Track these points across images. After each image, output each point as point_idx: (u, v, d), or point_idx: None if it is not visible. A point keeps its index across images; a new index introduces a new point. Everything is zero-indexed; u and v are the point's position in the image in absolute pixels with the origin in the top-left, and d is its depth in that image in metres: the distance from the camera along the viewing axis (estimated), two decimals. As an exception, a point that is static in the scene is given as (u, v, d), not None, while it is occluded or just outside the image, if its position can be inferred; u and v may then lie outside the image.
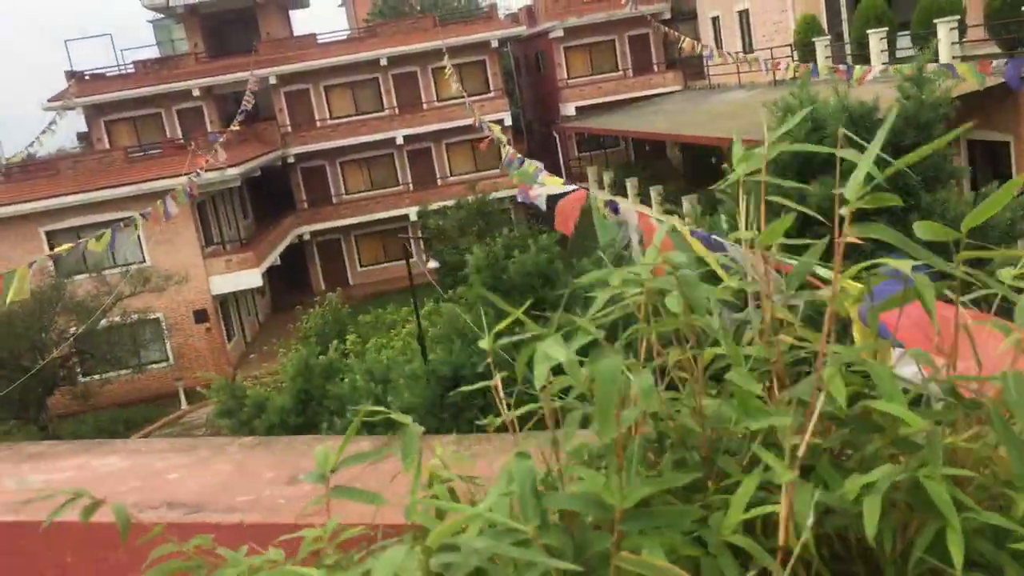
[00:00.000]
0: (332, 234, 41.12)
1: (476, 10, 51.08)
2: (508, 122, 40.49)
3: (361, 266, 42.10)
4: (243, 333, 34.33)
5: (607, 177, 35.95)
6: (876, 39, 23.11)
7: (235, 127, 29.96)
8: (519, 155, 12.80)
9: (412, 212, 40.23)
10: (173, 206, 18.45)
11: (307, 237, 40.28)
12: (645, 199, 31.86)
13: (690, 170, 36.07)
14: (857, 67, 16.18)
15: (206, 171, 28.65)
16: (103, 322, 24.55)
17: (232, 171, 29.58)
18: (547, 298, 9.66)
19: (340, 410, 11.45)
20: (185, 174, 27.86)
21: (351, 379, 11.57)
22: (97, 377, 24.60)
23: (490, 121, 39.93)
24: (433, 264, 9.91)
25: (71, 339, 21.42)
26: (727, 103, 28.57)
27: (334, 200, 40.84)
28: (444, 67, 39.93)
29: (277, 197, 40.43)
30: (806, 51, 26.43)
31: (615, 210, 11.63)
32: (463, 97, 30.43)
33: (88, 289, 24.69)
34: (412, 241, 42.36)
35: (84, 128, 40.77)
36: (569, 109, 39.85)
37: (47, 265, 28.84)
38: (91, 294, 24.33)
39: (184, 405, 29.62)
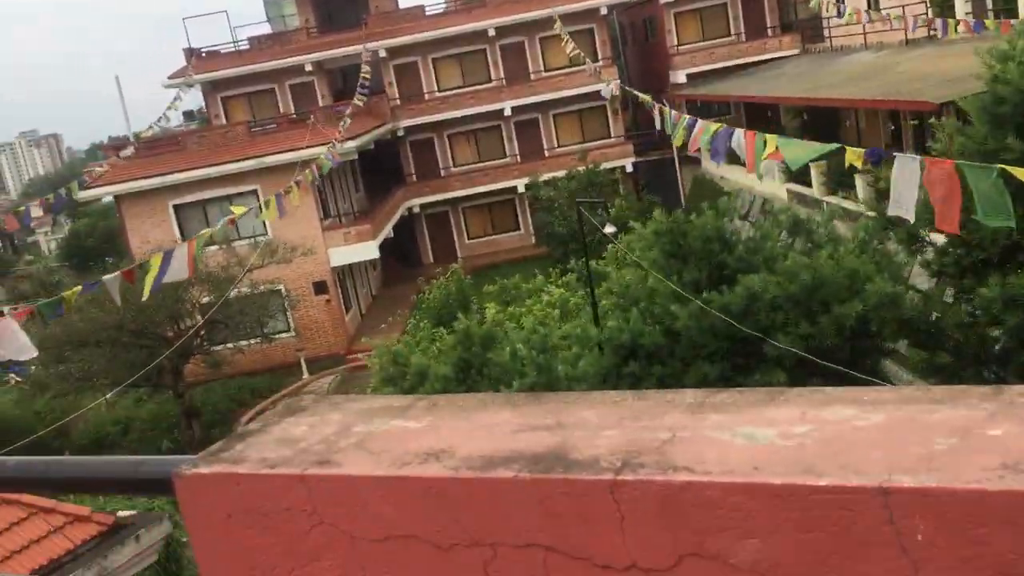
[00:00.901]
0: (440, 207, 41.27)
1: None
2: (616, 92, 39.82)
3: (469, 238, 42.19)
4: (359, 305, 34.79)
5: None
6: (1026, -7, 21.78)
7: (358, 101, 30.12)
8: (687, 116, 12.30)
9: (520, 184, 40.06)
10: (311, 176, 18.62)
11: (416, 210, 40.50)
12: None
13: (808, 136, 34.86)
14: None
15: (328, 144, 28.97)
16: (232, 293, 25.09)
17: (350, 144, 29.80)
18: (727, 263, 9.28)
19: (501, 378, 11.33)
20: (311, 145, 28.29)
21: (512, 347, 11.43)
22: (229, 346, 25.18)
23: (599, 91, 39.49)
24: (610, 228, 9.57)
25: (214, 307, 21.90)
26: (857, 65, 27.45)
27: (442, 173, 40.93)
28: (554, 35, 39.52)
29: (386, 171, 40.71)
30: (945, 7, 25.15)
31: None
32: (580, 63, 29.93)
33: (219, 260, 25.23)
34: (587, 206, 42.21)
35: (195, 106, 41.77)
36: (679, 77, 38.97)
37: (175, 236, 29.71)
38: (221, 265, 24.86)
39: (306, 375, 30.20)
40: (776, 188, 28.78)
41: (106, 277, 10.19)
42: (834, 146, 7.78)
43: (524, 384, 10.72)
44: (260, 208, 15.04)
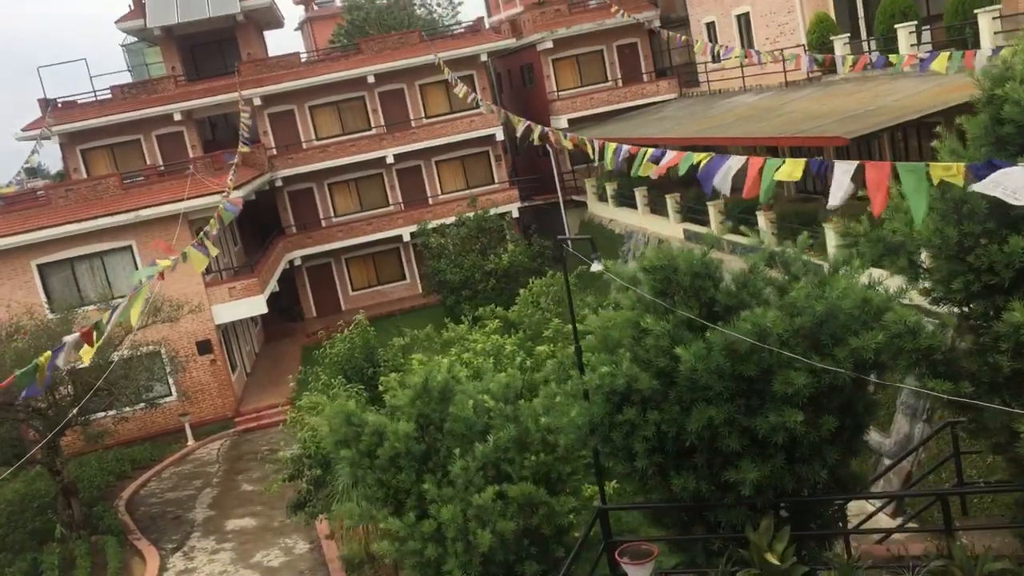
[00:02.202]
0: (322, 258, 39.89)
1: (452, 26, 50.38)
2: (500, 136, 39.79)
3: (354, 289, 40.91)
4: (244, 364, 32.93)
5: (610, 188, 35.31)
6: (905, 33, 22.83)
7: (243, 149, 28.69)
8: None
9: (405, 232, 39.26)
10: (216, 225, 17.30)
11: (297, 262, 38.99)
12: (656, 209, 31.27)
13: (677, 178, 35.57)
14: (949, 53, 15.63)
15: (220, 193, 27.44)
16: (113, 356, 23.09)
17: (235, 194, 28.29)
18: (717, 299, 8.83)
19: (465, 434, 10.48)
20: (192, 196, 26.68)
21: (475, 400, 10.60)
22: (110, 414, 23.06)
23: (481, 136, 39.31)
24: (597, 266, 9.05)
25: (108, 371, 19.99)
26: (742, 106, 28.14)
27: (323, 223, 39.63)
28: (434, 82, 39.18)
29: (264, 222, 39.13)
30: (823, 50, 26.11)
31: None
32: (475, 105, 29.64)
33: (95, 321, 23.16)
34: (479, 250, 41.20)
35: (51, 160, 39.12)
36: (561, 122, 39.19)
37: (39, 301, 27.33)
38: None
39: (191, 441, 28.16)
40: (671, 228, 29.05)
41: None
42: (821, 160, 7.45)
43: (500, 440, 9.90)
44: (168, 263, 13.67)
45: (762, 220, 22.90)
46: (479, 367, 14.57)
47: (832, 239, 18.45)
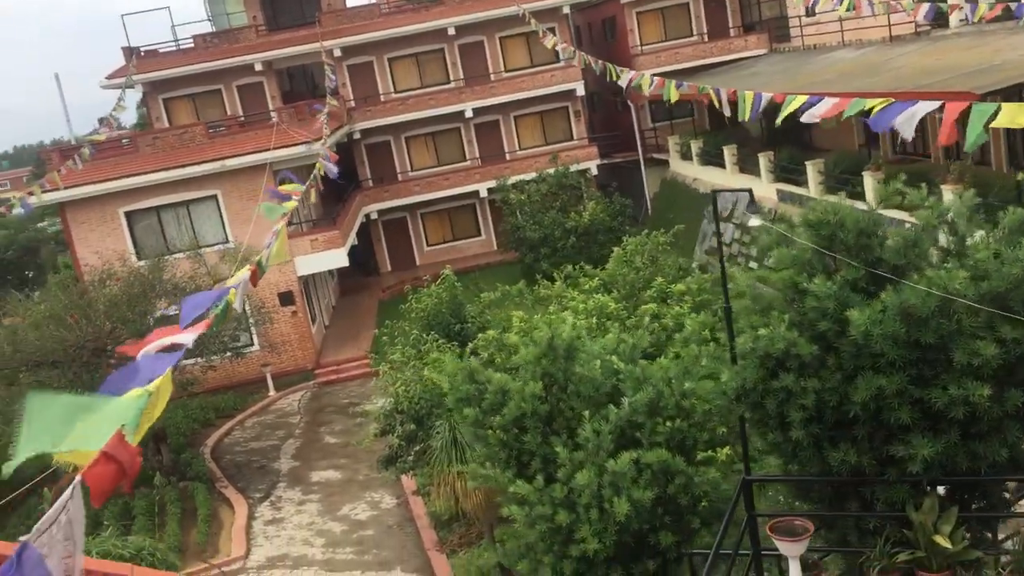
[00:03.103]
0: (398, 212, 39.63)
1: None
2: (581, 91, 38.89)
3: (429, 245, 40.64)
4: (323, 317, 32.93)
5: (695, 146, 34.29)
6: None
7: (332, 101, 28.34)
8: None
9: (481, 188, 38.72)
10: (323, 173, 17.00)
11: (374, 216, 38.76)
12: (746, 168, 30.26)
13: (769, 136, 34.33)
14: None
15: (294, 145, 27.24)
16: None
17: (317, 145, 28.05)
18: (884, 260, 8.12)
19: (591, 396, 10.00)
20: (275, 148, 26.45)
21: (602, 360, 10.10)
22: (199, 361, 23.11)
23: (561, 91, 38.47)
24: (755, 221, 8.44)
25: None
26: (843, 62, 26.88)
27: (400, 177, 39.30)
28: (514, 34, 38.38)
29: (341, 175, 38.86)
30: None
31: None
32: (570, 56, 28.90)
33: (184, 269, 23.22)
34: (486, 215, 40.71)
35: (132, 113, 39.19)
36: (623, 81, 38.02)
37: (126, 249, 27.48)
38: (187, 275, 22.86)
39: (272, 392, 28.27)
40: (762, 188, 28.05)
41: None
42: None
43: (638, 403, 9.39)
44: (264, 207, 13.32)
45: (868, 180, 21.87)
46: (585, 327, 14.03)
47: (951, 200, 17.43)
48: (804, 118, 9.47)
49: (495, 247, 40.00)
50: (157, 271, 21.94)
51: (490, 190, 38.45)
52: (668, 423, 9.38)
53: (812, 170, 24.86)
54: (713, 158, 32.84)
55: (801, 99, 9.55)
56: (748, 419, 8.80)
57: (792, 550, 8.11)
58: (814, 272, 8.44)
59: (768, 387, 8.28)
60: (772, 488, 9.62)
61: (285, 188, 13.06)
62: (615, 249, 21.71)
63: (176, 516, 19.83)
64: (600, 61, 21.95)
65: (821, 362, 8.19)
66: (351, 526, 19.36)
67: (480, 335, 16.82)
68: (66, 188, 25.04)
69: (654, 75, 16.96)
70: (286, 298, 28.68)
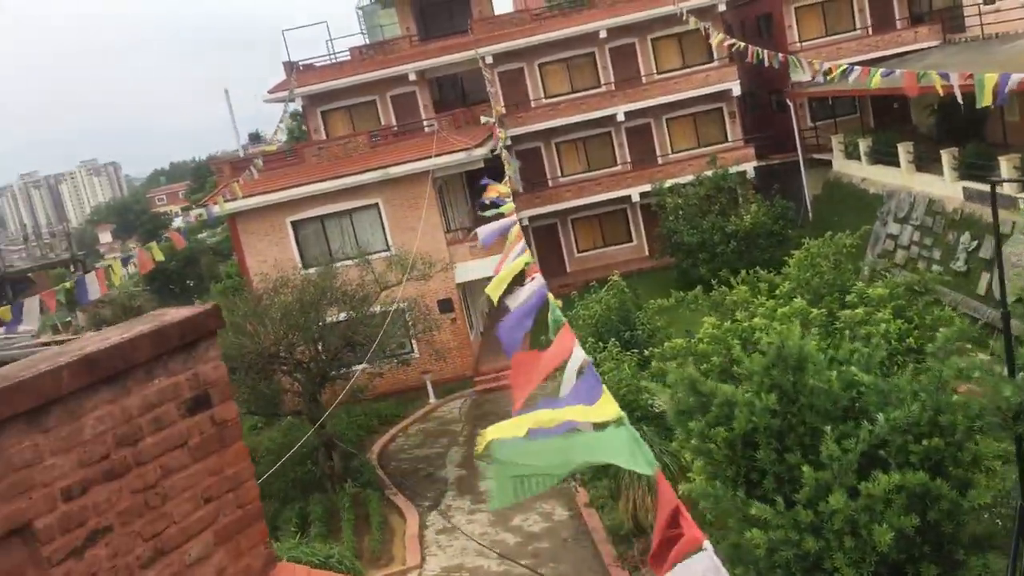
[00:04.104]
0: (549, 219, 39.32)
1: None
2: (737, 91, 37.64)
3: (579, 251, 40.17)
4: (479, 324, 32.88)
5: (863, 144, 32.57)
6: None
7: (498, 108, 28.26)
8: None
9: (634, 192, 37.97)
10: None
11: (525, 223, 38.49)
12: (924, 165, 28.47)
13: (943, 132, 32.20)
14: None
15: (454, 152, 27.25)
16: (365, 312, 23.25)
17: (478, 152, 28.05)
18: None
19: (828, 410, 9.17)
20: (436, 155, 26.51)
21: (840, 372, 9.27)
22: (366, 369, 23.26)
23: (715, 92, 37.33)
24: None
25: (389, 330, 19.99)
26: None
27: (550, 183, 38.99)
28: (666, 35, 37.52)
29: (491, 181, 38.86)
30: None
31: None
32: (741, 50, 27.89)
33: (352, 276, 23.44)
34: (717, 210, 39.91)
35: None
36: (803, 75, 36.49)
37: (293, 257, 28.06)
38: (356, 282, 23.06)
39: (432, 399, 28.31)
40: (944, 187, 26.25)
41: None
42: None
43: (897, 420, 8.50)
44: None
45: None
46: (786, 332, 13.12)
47: None
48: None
49: (647, 253, 39.16)
50: (328, 278, 22.18)
51: (642, 195, 37.68)
52: (926, 441, 8.46)
53: (1007, 166, 23.04)
54: (884, 156, 31.06)
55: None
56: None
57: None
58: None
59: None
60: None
61: (495, 187, 12.71)
62: (794, 252, 20.61)
63: (350, 523, 19.91)
64: (780, 54, 20.91)
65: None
66: (525, 538, 18.96)
67: (667, 343, 16.10)
68: (242, 199, 25.70)
69: (852, 64, 15.84)
70: (445, 305, 28.71)
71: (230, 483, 3.41)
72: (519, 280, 7.92)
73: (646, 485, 14.10)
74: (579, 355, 4.96)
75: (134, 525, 3.07)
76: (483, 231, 9.60)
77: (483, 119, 26.33)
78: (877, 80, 14.43)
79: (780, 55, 21.05)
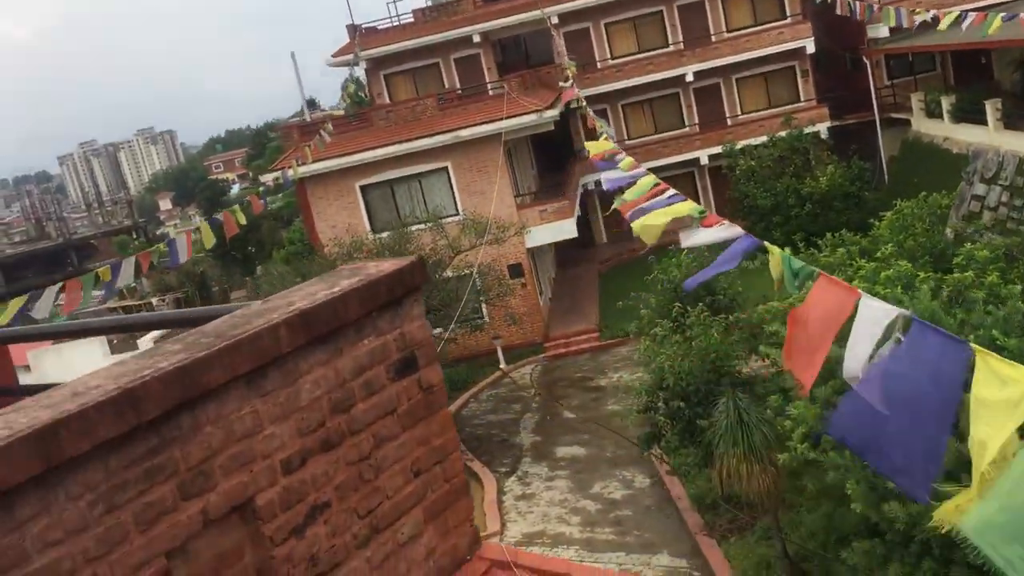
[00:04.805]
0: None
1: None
2: (811, 49, 36.46)
3: (645, 216, 39.39)
4: (547, 290, 32.52)
5: (945, 102, 31.32)
6: None
7: (571, 67, 27.65)
8: None
9: (702, 155, 37.14)
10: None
11: (591, 187, 37.92)
12: (1013, 123, 27.28)
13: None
14: None
15: (524, 114, 26.75)
16: (437, 277, 23.01)
17: (548, 113, 27.51)
18: None
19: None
20: (507, 117, 26.04)
21: (976, 336, 8.72)
22: (440, 334, 23.09)
23: (788, 50, 36.18)
24: None
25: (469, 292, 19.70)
26: None
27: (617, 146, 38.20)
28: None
29: (555, 146, 38.32)
30: None
31: None
32: (784, 11, 26.83)
33: (425, 240, 23.19)
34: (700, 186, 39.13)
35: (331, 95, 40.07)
36: (880, 31, 35.20)
37: (362, 222, 27.89)
38: (430, 246, 22.81)
39: (503, 365, 28.08)
40: (1039, 145, 25.09)
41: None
42: None
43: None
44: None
45: None
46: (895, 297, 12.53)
47: None
48: None
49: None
50: (402, 242, 21.96)
51: (711, 157, 36.82)
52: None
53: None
54: (969, 114, 29.82)
55: None
56: None
57: None
58: None
59: None
60: None
61: (596, 145, 12.25)
62: (883, 215, 19.87)
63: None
64: (875, 4, 19.93)
65: None
66: (606, 505, 18.69)
67: (761, 306, 15.58)
68: (315, 162, 25.53)
69: (965, 10, 14.96)
70: (515, 271, 28.36)
71: (437, 454, 3.09)
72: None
73: (742, 452, 13.62)
74: (880, 313, 3.98)
75: (350, 500, 2.76)
76: (607, 177, 9.13)
77: (568, 69, 25.62)
78: (996, 26, 13.58)
79: (874, 4, 20.08)
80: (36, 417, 2.07)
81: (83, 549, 2.09)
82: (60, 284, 10.39)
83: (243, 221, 15.92)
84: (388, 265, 3.01)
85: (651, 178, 9.02)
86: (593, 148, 12.11)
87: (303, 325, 2.63)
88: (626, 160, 9.99)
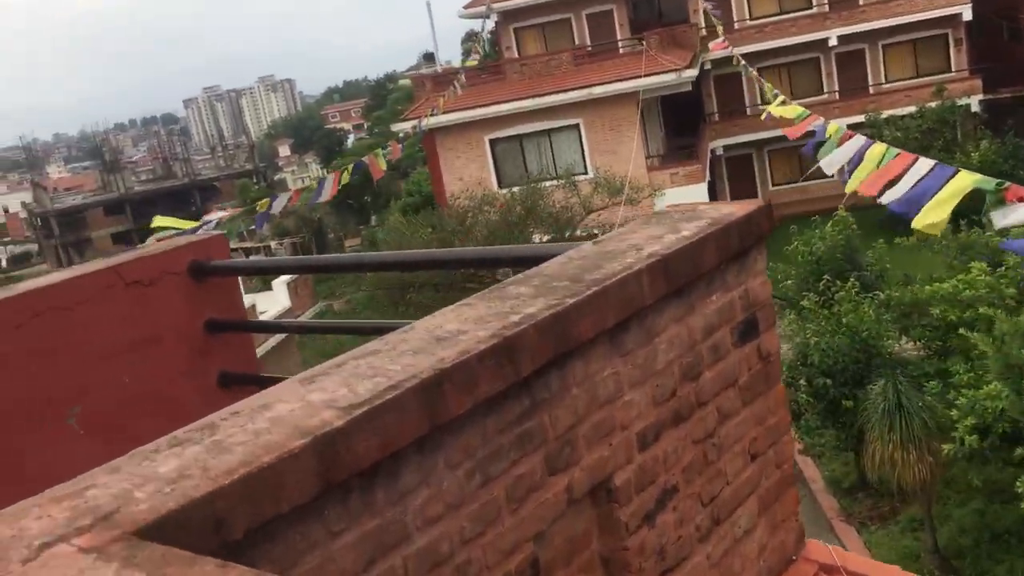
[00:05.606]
0: (743, 149, 37.31)
1: None
2: (968, 16, 34.24)
3: (774, 184, 38.07)
4: (670, 254, 31.73)
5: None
6: None
7: (718, 26, 26.65)
8: None
9: (841, 124, 35.33)
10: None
11: (719, 152, 36.75)
12: None
13: None
14: None
15: (664, 72, 25.87)
16: (567, 236, 22.56)
17: (687, 73, 26.58)
18: None
19: None
20: (649, 73, 25.26)
21: None
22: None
23: (941, 16, 34.11)
24: None
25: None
26: None
27: (748, 111, 36.85)
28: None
29: (684, 108, 37.16)
30: None
31: None
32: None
33: (557, 198, 22.74)
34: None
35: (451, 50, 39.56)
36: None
37: (489, 176, 27.63)
38: (561, 204, 22.36)
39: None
40: None
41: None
42: None
43: None
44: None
45: None
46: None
47: None
48: None
49: (846, 191, 36.64)
50: (536, 197, 21.56)
51: (849, 127, 35.01)
52: None
53: None
54: None
55: None
56: None
57: None
58: None
59: None
60: None
61: (781, 110, 11.54)
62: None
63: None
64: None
65: None
66: (734, 481, 18.05)
67: (927, 287, 14.64)
68: (445, 113, 25.33)
69: None
70: (642, 234, 27.66)
71: (771, 436, 2.63)
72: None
73: (898, 439, 12.85)
74: None
75: (695, 485, 2.33)
76: (826, 158, 8.29)
77: (717, 25, 24.67)
78: None
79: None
80: (413, 365, 1.68)
81: (459, 528, 1.72)
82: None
83: (383, 166, 15.76)
84: (734, 208, 2.54)
85: (881, 147, 8.26)
86: (777, 111, 11.36)
87: (664, 273, 2.18)
88: (832, 126, 9.21)
